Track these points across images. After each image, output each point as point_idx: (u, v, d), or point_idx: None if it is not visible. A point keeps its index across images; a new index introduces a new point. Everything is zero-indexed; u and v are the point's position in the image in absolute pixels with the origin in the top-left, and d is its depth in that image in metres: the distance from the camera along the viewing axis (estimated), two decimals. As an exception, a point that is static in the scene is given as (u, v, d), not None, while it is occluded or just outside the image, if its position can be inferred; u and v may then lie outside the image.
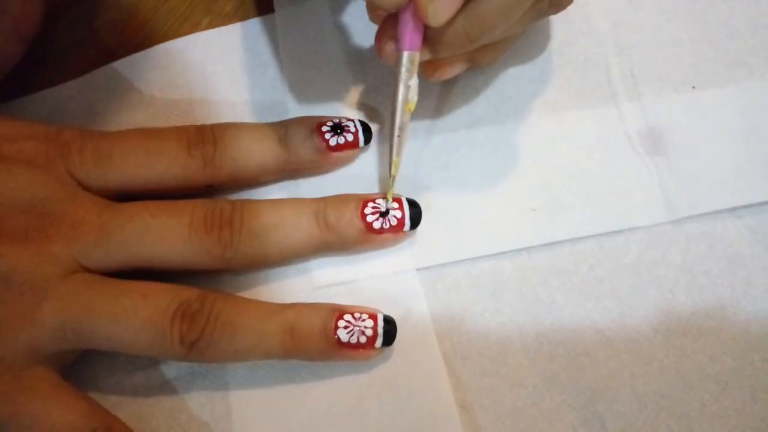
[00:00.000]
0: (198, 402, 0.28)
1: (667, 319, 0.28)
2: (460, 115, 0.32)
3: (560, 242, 0.29)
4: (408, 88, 0.27)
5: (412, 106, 0.27)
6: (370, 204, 0.28)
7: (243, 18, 0.34)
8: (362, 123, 0.30)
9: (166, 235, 0.26)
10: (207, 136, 0.28)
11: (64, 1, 0.35)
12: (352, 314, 0.27)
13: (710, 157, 0.30)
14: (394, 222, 0.28)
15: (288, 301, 0.28)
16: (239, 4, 0.34)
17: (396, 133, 0.27)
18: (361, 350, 0.27)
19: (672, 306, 0.28)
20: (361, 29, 0.33)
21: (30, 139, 0.27)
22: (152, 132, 0.29)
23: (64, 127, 0.28)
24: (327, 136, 0.29)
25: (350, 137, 0.30)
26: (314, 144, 0.29)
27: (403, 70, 0.26)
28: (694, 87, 0.31)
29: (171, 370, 0.28)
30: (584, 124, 0.31)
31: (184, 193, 0.28)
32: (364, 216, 0.28)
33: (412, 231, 0.29)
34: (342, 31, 0.32)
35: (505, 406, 0.27)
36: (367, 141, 0.30)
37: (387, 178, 0.28)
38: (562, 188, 0.30)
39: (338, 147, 0.29)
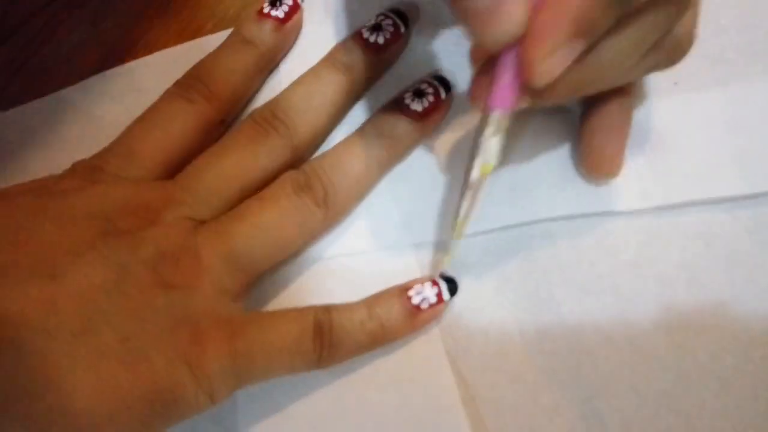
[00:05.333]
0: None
1: (668, 315, 0.28)
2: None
3: (560, 238, 0.29)
4: (490, 148, 0.24)
5: (489, 168, 0.25)
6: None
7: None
8: None
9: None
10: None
11: (67, 4, 0.35)
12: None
13: (688, 150, 0.30)
14: None
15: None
16: (242, 8, 0.35)
17: (467, 194, 0.25)
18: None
19: (672, 302, 0.28)
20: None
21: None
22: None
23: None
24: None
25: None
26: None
27: (490, 129, 0.24)
28: (675, 83, 0.31)
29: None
30: (565, 113, 0.31)
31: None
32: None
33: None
34: (340, 33, 0.33)
35: (505, 401, 0.27)
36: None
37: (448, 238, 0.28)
38: (540, 169, 0.30)
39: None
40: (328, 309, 0.27)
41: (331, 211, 0.28)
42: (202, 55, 0.33)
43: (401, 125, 0.29)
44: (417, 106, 0.30)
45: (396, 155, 0.30)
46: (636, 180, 0.30)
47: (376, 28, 0.31)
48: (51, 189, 0.26)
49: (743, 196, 0.29)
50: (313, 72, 0.31)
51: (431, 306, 0.28)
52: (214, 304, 0.26)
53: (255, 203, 0.28)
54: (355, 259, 0.30)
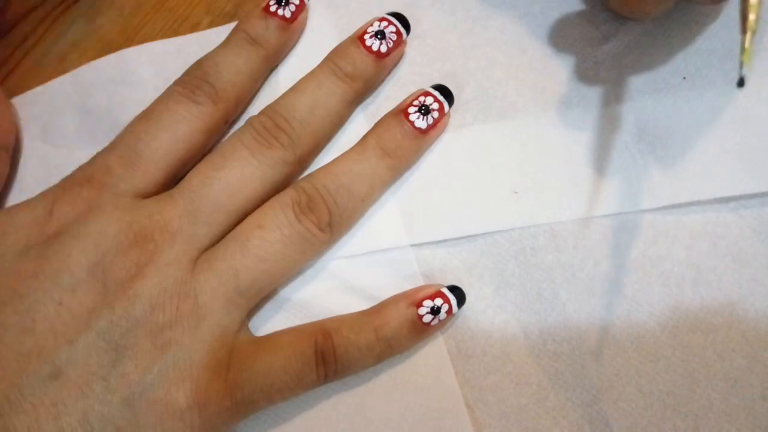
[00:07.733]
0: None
1: (675, 315, 0.28)
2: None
3: (564, 238, 0.29)
4: None
5: None
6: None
7: (243, 17, 0.34)
8: None
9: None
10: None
11: (63, 0, 0.35)
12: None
13: (697, 148, 0.29)
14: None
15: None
16: (239, 4, 0.34)
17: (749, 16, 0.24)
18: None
19: (679, 302, 0.28)
20: (358, 27, 0.33)
21: None
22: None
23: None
24: None
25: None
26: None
27: None
28: (684, 78, 0.30)
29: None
30: (571, 111, 0.31)
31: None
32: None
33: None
34: (341, 32, 0.32)
35: (509, 404, 0.27)
36: None
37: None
38: (546, 171, 0.30)
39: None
40: (329, 334, 0.26)
41: (335, 234, 0.28)
42: (197, 50, 0.32)
43: (406, 143, 0.29)
44: (422, 123, 0.29)
45: (399, 172, 0.30)
46: (644, 178, 0.29)
47: (380, 35, 0.30)
48: (45, 231, 0.26)
49: (751, 194, 0.29)
50: (314, 79, 0.30)
51: (441, 321, 0.27)
52: (213, 350, 0.25)
53: (256, 233, 0.26)
54: (355, 260, 0.29)
